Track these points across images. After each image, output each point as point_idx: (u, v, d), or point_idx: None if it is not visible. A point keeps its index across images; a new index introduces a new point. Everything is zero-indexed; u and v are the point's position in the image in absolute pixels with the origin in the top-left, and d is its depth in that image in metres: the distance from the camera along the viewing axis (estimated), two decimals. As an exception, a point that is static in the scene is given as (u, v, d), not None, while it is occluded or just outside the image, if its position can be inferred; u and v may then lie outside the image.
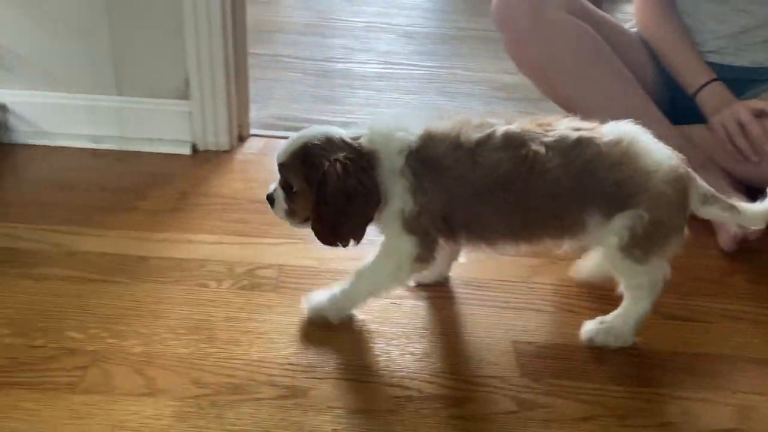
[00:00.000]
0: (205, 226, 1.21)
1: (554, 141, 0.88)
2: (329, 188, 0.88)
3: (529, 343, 0.99)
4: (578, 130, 0.89)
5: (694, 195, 0.91)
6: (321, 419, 0.84)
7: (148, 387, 0.87)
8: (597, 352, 0.98)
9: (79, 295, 1.02)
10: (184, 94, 1.45)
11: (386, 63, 2.12)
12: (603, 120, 0.93)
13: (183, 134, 1.47)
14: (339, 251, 0.95)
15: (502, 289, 1.10)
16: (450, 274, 1.11)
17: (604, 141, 0.88)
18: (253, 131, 1.59)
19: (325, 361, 0.94)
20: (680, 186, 0.89)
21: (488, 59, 2.20)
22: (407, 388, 0.90)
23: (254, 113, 1.61)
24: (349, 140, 0.91)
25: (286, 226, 0.98)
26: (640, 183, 0.87)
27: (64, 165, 1.40)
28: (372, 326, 1.00)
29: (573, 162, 0.87)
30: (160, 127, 1.46)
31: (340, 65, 2.08)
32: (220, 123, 1.47)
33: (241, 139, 1.55)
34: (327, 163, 0.88)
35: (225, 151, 1.49)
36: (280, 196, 0.95)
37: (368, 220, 0.92)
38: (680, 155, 0.92)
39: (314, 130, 0.92)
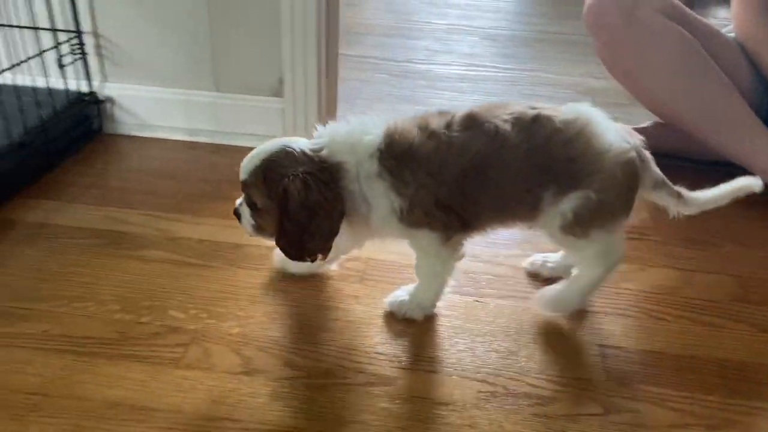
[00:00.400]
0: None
1: (515, 119, 0.90)
2: (291, 204, 0.88)
3: (617, 347, 0.98)
4: (534, 108, 0.92)
5: (646, 179, 0.94)
6: (407, 407, 0.87)
7: (245, 366, 0.91)
8: (687, 360, 0.96)
9: (179, 277, 1.08)
10: (278, 92, 1.51)
11: (469, 65, 2.14)
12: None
13: (274, 130, 1.53)
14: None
15: (588, 292, 1.10)
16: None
17: (560, 119, 0.90)
18: (339, 129, 1.63)
19: (411, 353, 0.96)
20: (629, 169, 0.91)
21: (572, 63, 2.18)
22: (492, 384, 0.91)
23: (341, 112, 1.65)
24: (309, 152, 0.91)
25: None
26: (591, 162, 0.90)
27: (164, 156, 1.48)
28: (456, 322, 1.02)
29: (534, 137, 0.90)
30: (253, 123, 1.53)
31: (423, 66, 2.11)
32: (310, 121, 1.52)
33: (328, 136, 1.60)
34: (287, 179, 0.87)
35: (313, 148, 1.54)
36: (246, 212, 0.96)
37: (334, 234, 0.92)
38: (639, 138, 0.94)
39: (274, 144, 0.93)
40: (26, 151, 1.31)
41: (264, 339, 0.96)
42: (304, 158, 0.91)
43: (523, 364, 0.94)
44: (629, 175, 0.91)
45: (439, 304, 1.03)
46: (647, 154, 0.95)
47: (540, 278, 1.12)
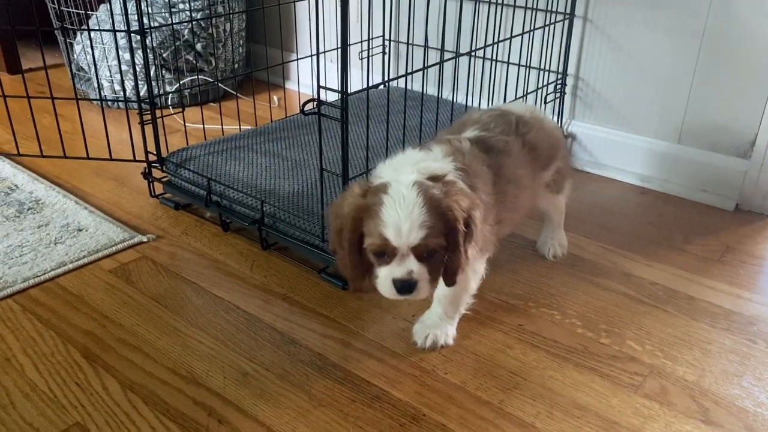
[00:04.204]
0: (752, 285, 1.24)
1: (506, 128, 1.11)
2: (476, 217, 0.93)
3: None
4: (509, 113, 1.15)
5: None
6: None
7: (702, 415, 0.95)
8: None
9: (635, 311, 1.17)
10: (744, 154, 1.49)
11: None
12: None
13: (730, 191, 1.51)
14: None
15: None
16: None
17: (527, 117, 1.16)
18: (801, 202, 1.53)
19: None
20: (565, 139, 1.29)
21: None
22: None
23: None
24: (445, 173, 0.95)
25: None
26: (558, 141, 1.23)
27: (614, 194, 1.59)
28: None
29: (525, 137, 1.13)
30: (709, 180, 1.54)
31: None
32: (774, 188, 1.47)
33: (788, 207, 1.52)
34: (458, 206, 0.90)
35: (768, 216, 1.49)
36: (422, 272, 0.91)
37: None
38: None
39: (411, 197, 0.89)
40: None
41: (722, 395, 0.98)
42: (446, 180, 0.94)
43: None
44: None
45: None
46: None
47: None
